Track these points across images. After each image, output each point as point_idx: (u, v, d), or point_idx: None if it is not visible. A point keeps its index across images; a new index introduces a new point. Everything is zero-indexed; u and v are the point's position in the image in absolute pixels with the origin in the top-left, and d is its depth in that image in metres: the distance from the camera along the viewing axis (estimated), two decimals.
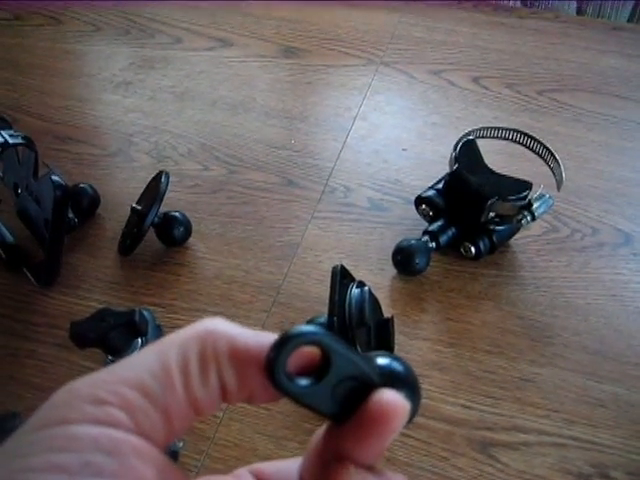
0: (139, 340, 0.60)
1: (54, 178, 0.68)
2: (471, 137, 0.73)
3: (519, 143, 0.74)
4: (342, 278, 0.62)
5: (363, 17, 1.10)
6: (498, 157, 0.82)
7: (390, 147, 0.87)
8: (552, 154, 0.72)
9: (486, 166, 0.72)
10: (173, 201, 0.80)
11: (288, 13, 1.11)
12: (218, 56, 1.03)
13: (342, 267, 0.63)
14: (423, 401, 0.60)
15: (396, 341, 0.64)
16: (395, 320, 0.63)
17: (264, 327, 0.67)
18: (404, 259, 0.70)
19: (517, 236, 0.75)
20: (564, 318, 0.69)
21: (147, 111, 0.93)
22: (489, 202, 0.68)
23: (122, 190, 0.82)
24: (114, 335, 0.58)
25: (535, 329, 0.68)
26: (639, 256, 0.75)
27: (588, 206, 0.80)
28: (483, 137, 0.74)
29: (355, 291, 0.61)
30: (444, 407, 0.62)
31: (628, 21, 1.26)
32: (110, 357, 0.60)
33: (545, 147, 0.73)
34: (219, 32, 1.07)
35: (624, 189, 0.82)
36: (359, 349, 0.58)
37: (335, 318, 0.59)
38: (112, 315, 0.58)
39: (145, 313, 0.62)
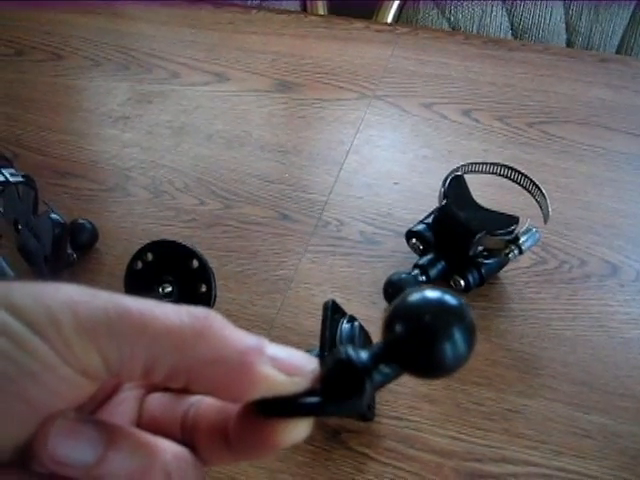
0: None
1: (53, 216, 0.70)
2: (459, 173, 0.75)
3: (506, 177, 0.76)
4: (333, 313, 0.64)
5: (356, 51, 1.13)
6: (488, 189, 0.84)
7: (382, 181, 0.89)
8: (539, 188, 0.74)
9: (474, 201, 0.74)
10: (169, 236, 0.81)
11: (283, 47, 1.14)
12: (214, 91, 1.05)
13: (333, 302, 0.64)
14: (413, 434, 0.62)
15: None
16: None
17: None
18: (395, 292, 0.72)
19: (506, 268, 0.76)
20: (552, 350, 0.70)
21: (144, 146, 0.95)
22: (477, 237, 0.69)
23: (120, 225, 0.84)
24: None
25: (523, 361, 0.69)
26: (626, 287, 0.76)
27: (576, 238, 0.82)
28: (471, 172, 0.76)
29: (345, 326, 0.63)
30: (434, 439, 0.63)
31: (616, 52, 1.29)
32: None
33: (532, 181, 0.74)
34: (215, 67, 1.10)
35: (611, 220, 0.84)
36: None
37: (326, 353, 0.60)
38: None
39: None
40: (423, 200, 0.84)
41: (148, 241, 0.72)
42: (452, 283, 0.73)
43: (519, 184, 0.76)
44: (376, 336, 0.69)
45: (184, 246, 0.70)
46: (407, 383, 0.67)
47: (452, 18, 1.31)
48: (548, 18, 1.27)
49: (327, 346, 0.61)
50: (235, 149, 0.94)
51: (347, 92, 1.04)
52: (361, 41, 1.15)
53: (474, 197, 0.76)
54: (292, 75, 1.07)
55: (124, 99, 1.04)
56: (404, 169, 0.91)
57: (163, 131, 0.98)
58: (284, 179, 0.89)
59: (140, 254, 0.71)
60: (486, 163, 0.76)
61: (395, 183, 0.89)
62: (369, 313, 0.73)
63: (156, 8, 1.24)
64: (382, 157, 0.93)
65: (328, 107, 1.01)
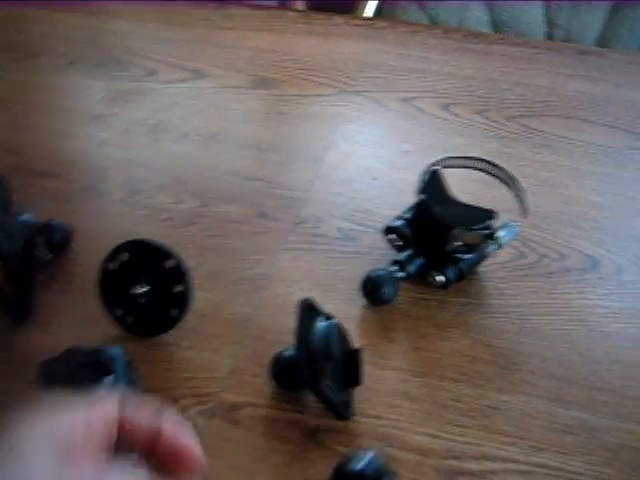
0: (107, 379, 0.60)
1: (25, 217, 0.69)
2: (436, 167, 0.74)
3: (484, 171, 0.75)
4: (309, 311, 0.63)
5: (335, 46, 1.12)
6: (467, 184, 0.83)
7: (361, 176, 0.88)
8: (517, 182, 0.73)
9: (451, 196, 0.73)
10: (145, 235, 0.80)
11: (261, 43, 1.13)
12: (192, 87, 1.04)
13: (309, 300, 0.64)
14: (391, 432, 0.61)
15: (365, 372, 0.64)
16: (364, 351, 0.64)
17: (235, 360, 0.68)
18: (372, 289, 0.71)
19: (485, 263, 0.76)
20: (531, 345, 0.70)
21: (121, 144, 0.94)
22: (454, 232, 0.69)
23: (95, 225, 0.83)
24: (81, 375, 0.58)
25: (502, 356, 0.69)
26: (605, 280, 0.76)
27: (556, 231, 0.81)
28: (449, 167, 0.75)
29: (322, 324, 0.62)
30: (412, 437, 0.62)
31: (596, 45, 1.28)
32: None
33: (510, 175, 0.74)
34: (193, 63, 1.08)
35: (591, 214, 0.84)
36: (326, 383, 0.59)
37: (302, 353, 0.59)
38: (79, 354, 0.59)
39: (114, 350, 0.62)
40: (402, 195, 0.83)
41: (123, 241, 0.71)
42: (430, 279, 0.73)
43: (498, 178, 0.75)
44: (353, 333, 0.68)
45: (160, 246, 0.69)
46: (386, 381, 0.66)
47: (432, 12, 1.30)
48: (528, 11, 1.27)
49: (303, 344, 0.60)
50: (212, 147, 0.93)
51: (326, 87, 1.03)
52: (340, 36, 1.15)
53: (453, 191, 0.76)
54: (270, 71, 1.06)
55: (100, 97, 1.03)
56: (383, 164, 0.90)
57: (139, 129, 0.97)
58: (262, 176, 0.88)
59: (115, 254, 0.70)
60: (464, 157, 0.76)
61: (374, 179, 0.88)
62: (347, 310, 0.72)
63: (133, 5, 1.22)
64: (361, 153, 0.92)
65: (307, 103, 1.00)
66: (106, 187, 0.88)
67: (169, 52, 1.11)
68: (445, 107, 1.00)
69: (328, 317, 0.64)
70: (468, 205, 0.73)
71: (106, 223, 0.83)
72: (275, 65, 1.08)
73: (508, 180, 0.74)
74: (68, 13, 1.21)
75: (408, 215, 0.75)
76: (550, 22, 1.28)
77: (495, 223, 0.71)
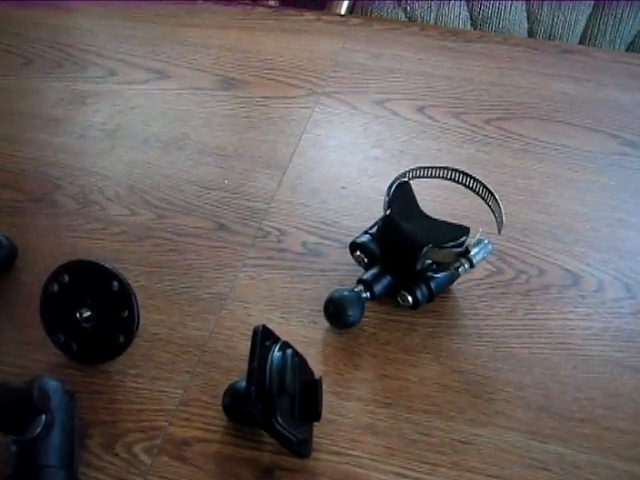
0: (42, 417, 0.55)
1: None
2: (405, 179, 0.69)
3: (457, 182, 0.70)
4: (264, 340, 0.58)
5: (306, 44, 1.06)
6: (440, 192, 0.79)
7: (328, 185, 0.83)
8: (492, 194, 0.68)
9: (421, 210, 0.68)
10: (97, 251, 0.76)
11: (228, 41, 1.07)
12: (152, 89, 0.98)
13: (264, 327, 0.58)
14: (353, 470, 0.56)
15: (327, 402, 0.59)
16: (326, 380, 0.59)
17: (186, 390, 0.63)
18: (336, 311, 0.66)
19: (459, 280, 0.71)
20: (507, 371, 0.65)
21: (75, 151, 0.89)
22: (423, 250, 0.64)
23: (43, 239, 0.77)
24: (11, 415, 0.53)
25: (476, 384, 0.64)
26: (587, 299, 0.71)
27: (534, 244, 0.76)
28: (419, 177, 0.70)
29: (277, 355, 0.57)
30: (376, 476, 0.57)
31: (579, 43, 1.23)
32: (12, 437, 0.55)
33: (484, 186, 0.69)
34: (155, 63, 1.03)
35: (572, 224, 0.79)
36: (280, 420, 0.54)
37: (253, 387, 0.54)
38: (7, 391, 0.53)
39: (50, 384, 0.57)
40: (371, 206, 0.78)
41: (73, 257, 0.65)
42: (399, 299, 0.68)
43: (471, 189, 0.70)
44: (315, 359, 0.63)
45: (103, 267, 0.63)
46: (349, 413, 0.61)
47: (408, 8, 1.24)
48: (509, 7, 1.21)
49: (255, 377, 0.55)
50: (172, 153, 0.87)
51: (294, 89, 0.98)
52: (311, 34, 1.09)
53: (425, 201, 0.71)
54: (237, 71, 1.01)
55: (56, 100, 0.97)
56: (353, 172, 0.85)
57: (96, 134, 0.91)
58: (223, 185, 0.83)
59: (56, 275, 0.64)
60: (435, 167, 0.71)
61: (342, 187, 0.83)
62: (309, 335, 0.67)
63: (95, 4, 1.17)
64: (329, 159, 0.87)
65: (273, 105, 0.95)
66: (58, 198, 0.82)
67: (131, 51, 1.06)
68: (420, 109, 0.94)
69: (284, 346, 0.58)
70: (439, 220, 0.68)
71: (55, 238, 0.77)
72: (242, 65, 1.02)
73: (482, 192, 0.69)
74: (26, 9, 1.15)
75: (375, 230, 0.70)
76: (532, 18, 1.22)
77: (469, 239, 0.66)
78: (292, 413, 0.56)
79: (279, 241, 0.76)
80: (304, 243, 0.76)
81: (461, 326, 0.68)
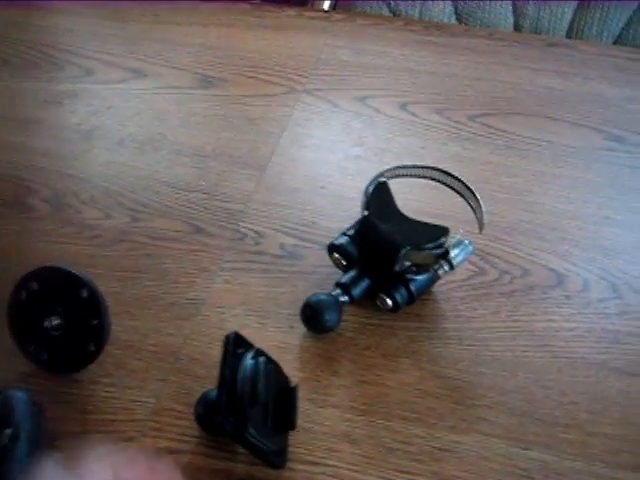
0: (5, 432, 0.53)
1: None
2: (383, 179, 0.67)
3: (437, 181, 0.68)
4: (236, 347, 0.56)
5: (287, 41, 1.04)
6: (421, 191, 0.77)
7: (308, 185, 0.81)
8: (473, 193, 0.66)
9: (399, 211, 0.66)
10: (70, 256, 0.74)
11: (208, 39, 1.05)
12: (129, 88, 0.96)
13: (236, 334, 0.57)
14: None
15: (304, 410, 0.58)
16: (302, 386, 0.58)
17: (159, 399, 0.61)
18: (313, 316, 0.64)
19: (441, 282, 0.69)
20: (489, 376, 0.63)
21: (50, 153, 0.87)
22: (402, 252, 0.62)
23: (15, 245, 0.75)
24: None
25: (457, 390, 0.62)
26: (572, 299, 0.69)
27: (518, 244, 0.74)
28: (397, 177, 0.68)
29: (249, 363, 0.55)
30: None
31: (566, 37, 1.21)
32: None
33: (465, 185, 0.67)
34: (133, 62, 1.01)
35: (557, 223, 0.77)
36: (252, 431, 0.52)
37: (224, 397, 0.52)
38: None
39: (16, 396, 0.55)
40: (352, 206, 0.75)
41: (45, 262, 0.63)
42: (378, 302, 0.66)
43: (451, 188, 0.68)
44: (291, 365, 0.61)
45: (73, 273, 0.61)
46: (326, 421, 0.59)
47: (392, 2, 1.22)
48: (494, 1, 1.19)
49: (226, 387, 0.53)
50: (148, 154, 0.85)
51: (274, 87, 0.96)
52: (293, 30, 1.07)
53: (405, 201, 0.69)
54: (216, 69, 0.99)
55: (32, 101, 0.95)
56: (333, 171, 0.83)
57: (71, 136, 0.89)
58: (199, 187, 0.81)
59: (24, 282, 0.62)
60: (415, 166, 0.69)
61: (322, 187, 0.81)
62: (286, 340, 0.65)
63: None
64: (309, 158, 0.85)
65: (253, 104, 0.93)
66: (31, 202, 0.80)
67: (109, 50, 1.03)
68: (402, 106, 0.92)
69: (258, 353, 0.56)
70: (418, 221, 0.66)
71: (27, 243, 0.76)
72: (222, 63, 1.00)
73: (464, 191, 0.67)
74: (4, 8, 1.12)
75: (353, 231, 0.68)
76: (518, 11, 1.20)
77: (449, 240, 0.64)
78: (265, 422, 0.54)
79: (256, 243, 0.74)
80: (282, 245, 0.74)
81: (442, 329, 0.67)
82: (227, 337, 0.56)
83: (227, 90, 0.95)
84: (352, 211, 0.73)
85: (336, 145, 0.87)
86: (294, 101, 0.93)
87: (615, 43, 1.22)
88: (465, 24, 1.15)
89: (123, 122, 0.90)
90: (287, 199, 0.79)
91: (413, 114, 0.91)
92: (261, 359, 0.56)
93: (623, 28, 1.21)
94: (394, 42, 1.04)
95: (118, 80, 0.98)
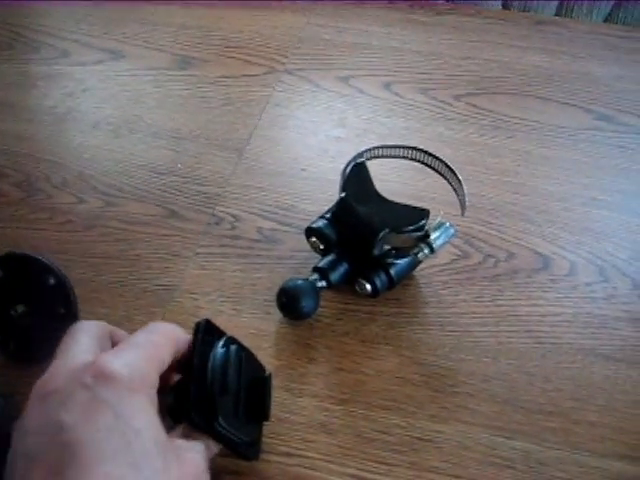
0: None
1: None
2: (362, 159, 0.65)
3: (418, 161, 0.66)
4: (206, 335, 0.54)
5: (268, 20, 1.01)
6: (404, 173, 0.74)
7: (287, 168, 0.79)
8: (454, 173, 0.64)
9: (377, 193, 0.64)
10: (41, 242, 0.71)
11: (189, 19, 1.02)
12: (106, 70, 0.93)
13: (207, 322, 0.54)
14: (305, 473, 0.52)
15: (279, 399, 0.56)
16: (278, 375, 0.56)
17: None
18: (289, 302, 0.62)
19: (423, 265, 0.67)
20: (471, 362, 0.61)
21: (23, 137, 0.84)
22: (380, 235, 0.59)
23: None
24: None
25: (438, 377, 0.60)
26: (558, 283, 0.67)
27: (503, 226, 0.72)
28: (376, 157, 0.66)
29: (220, 351, 0.53)
30: (330, 478, 0.53)
31: (556, 15, 1.18)
32: None
33: (446, 165, 0.64)
34: (111, 43, 0.98)
35: (544, 205, 0.75)
36: (222, 422, 0.50)
37: (192, 387, 0.50)
38: None
39: None
40: (332, 188, 0.73)
41: (15, 249, 0.61)
42: (357, 287, 0.64)
43: (433, 169, 0.66)
44: (267, 353, 0.59)
45: (38, 259, 0.59)
46: (302, 411, 0.57)
47: None
48: None
49: (195, 376, 0.51)
50: (123, 137, 0.83)
51: (254, 67, 0.93)
52: (275, 9, 1.04)
53: (385, 182, 0.67)
54: (195, 49, 0.96)
55: (6, 83, 0.92)
56: (314, 153, 0.81)
57: (45, 118, 0.86)
58: (175, 170, 0.78)
59: None
60: (395, 146, 0.66)
61: (302, 170, 0.78)
62: (262, 327, 0.63)
63: None
64: (289, 140, 0.83)
65: (232, 85, 0.90)
66: (1, 187, 0.78)
67: (87, 31, 1.01)
68: (386, 86, 0.90)
69: (229, 341, 0.54)
70: (397, 203, 0.64)
71: None
72: (201, 43, 0.97)
73: (445, 172, 0.65)
74: None
75: (331, 214, 0.65)
76: None
77: (430, 223, 0.62)
78: (236, 413, 0.52)
79: (233, 227, 0.72)
80: (259, 229, 0.72)
81: (423, 315, 0.64)
82: (197, 324, 0.53)
83: (206, 71, 0.92)
84: (332, 193, 0.71)
85: (318, 126, 0.84)
86: (274, 81, 0.91)
87: (605, 21, 1.20)
88: (452, 2, 1.11)
89: (99, 104, 0.88)
90: (266, 182, 0.77)
91: (397, 94, 0.89)
92: (233, 347, 0.53)
93: (613, 6, 1.18)
94: (378, 20, 1.01)
95: (95, 61, 0.95)
